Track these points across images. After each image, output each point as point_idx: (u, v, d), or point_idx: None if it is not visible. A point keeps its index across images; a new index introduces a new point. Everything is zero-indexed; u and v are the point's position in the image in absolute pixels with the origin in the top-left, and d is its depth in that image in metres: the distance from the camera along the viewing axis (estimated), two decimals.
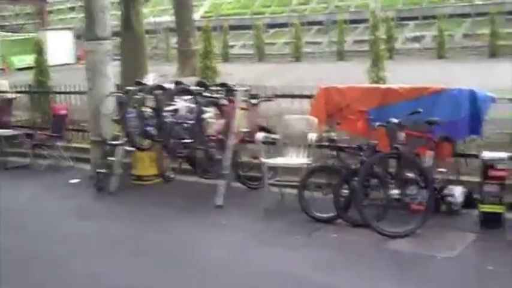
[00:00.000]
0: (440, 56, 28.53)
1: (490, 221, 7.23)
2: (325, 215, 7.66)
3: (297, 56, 33.29)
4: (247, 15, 40.87)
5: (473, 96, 8.07)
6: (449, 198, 7.72)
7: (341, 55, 32.03)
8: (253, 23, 36.47)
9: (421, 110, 7.49)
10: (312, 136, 8.24)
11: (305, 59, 32.71)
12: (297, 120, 8.65)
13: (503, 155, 7.30)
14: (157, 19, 40.24)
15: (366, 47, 32.23)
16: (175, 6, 26.51)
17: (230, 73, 17.21)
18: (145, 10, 28.53)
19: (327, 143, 8.48)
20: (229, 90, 9.19)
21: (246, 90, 9.25)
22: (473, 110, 8.04)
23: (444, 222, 7.45)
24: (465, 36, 31.27)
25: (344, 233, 7.31)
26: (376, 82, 11.25)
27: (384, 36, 30.42)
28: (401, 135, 7.37)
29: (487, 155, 7.38)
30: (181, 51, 26.28)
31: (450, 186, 7.83)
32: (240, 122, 9.05)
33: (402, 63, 24.06)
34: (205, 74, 13.36)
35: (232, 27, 37.16)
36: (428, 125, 7.66)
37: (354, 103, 8.53)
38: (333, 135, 8.33)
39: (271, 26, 38.22)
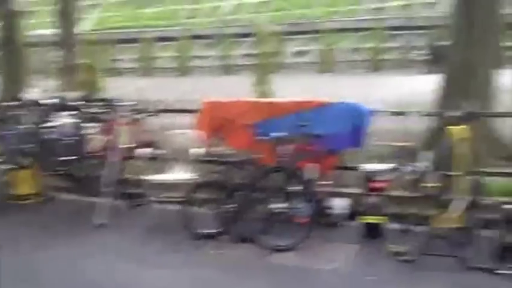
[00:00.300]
0: (326, 70, 29.04)
1: (371, 232, 7.37)
2: (210, 231, 7.57)
3: (185, 70, 33.16)
4: (136, 29, 40.37)
5: (355, 110, 8.24)
6: (332, 211, 7.82)
7: (229, 69, 32.13)
8: (141, 37, 36.08)
9: (305, 124, 7.56)
10: (197, 151, 8.16)
11: (193, 73, 32.61)
12: (182, 135, 8.55)
13: (383, 166, 7.47)
14: (43, 31, 39.08)
15: (254, 61, 32.58)
16: (58, 19, 25.77)
17: (116, 87, 16.86)
18: (33, 21, 27.64)
19: (212, 158, 8.42)
20: (112, 105, 8.97)
21: (129, 105, 9.06)
22: (355, 122, 8.20)
23: (328, 234, 7.53)
24: (350, 50, 32.00)
25: (229, 248, 7.25)
26: (263, 96, 11.30)
27: (271, 51, 30.80)
28: (286, 149, 7.40)
29: (367, 167, 7.53)
30: (65, 65, 25.62)
31: (334, 199, 7.93)
32: (124, 138, 8.84)
33: (289, 77, 24.28)
34: (89, 89, 12.99)
35: (121, 41, 36.55)
36: (312, 138, 7.73)
37: (239, 117, 8.50)
38: (219, 149, 8.29)
39: (160, 39, 37.90)
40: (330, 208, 7.79)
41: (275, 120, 8.25)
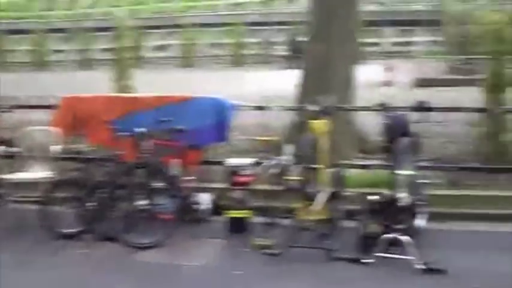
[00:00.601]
0: (187, 65, 29.00)
1: (237, 226, 7.35)
2: (72, 230, 7.26)
3: (42, 64, 32.00)
4: None
5: (218, 104, 8.23)
6: (197, 206, 7.72)
7: (88, 64, 31.40)
8: None
9: (167, 119, 7.44)
10: (55, 148, 7.81)
11: (50, 68, 31.52)
12: (40, 132, 8.16)
13: (247, 161, 7.48)
14: None
15: (113, 56, 31.77)
16: None
17: None
18: None
19: (71, 155, 8.10)
20: None
21: None
22: (218, 117, 8.19)
23: (193, 230, 7.43)
24: (211, 45, 32.08)
25: (93, 247, 6.98)
26: (123, 91, 11.02)
27: (130, 45, 30.20)
28: (148, 145, 7.23)
29: (231, 161, 7.51)
30: None
31: (198, 194, 7.85)
32: None
33: (150, 72, 24.02)
34: None
35: None
36: (175, 133, 7.61)
37: (98, 113, 8.27)
38: (79, 146, 8.00)
39: (13, 32, 36.31)
40: (195, 204, 7.70)
41: (136, 116, 8.08)
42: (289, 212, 7.07)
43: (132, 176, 7.35)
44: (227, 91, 9.50)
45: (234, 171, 7.40)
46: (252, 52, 29.12)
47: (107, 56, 29.35)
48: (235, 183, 7.38)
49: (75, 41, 33.54)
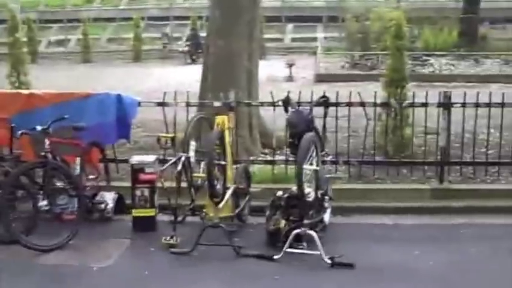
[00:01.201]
0: (86, 60, 28.31)
1: (143, 225, 7.17)
2: None
3: None
4: None
5: (120, 101, 8.08)
6: (101, 205, 7.50)
7: None
8: None
9: (66, 116, 7.17)
10: None
11: None
12: None
13: (151, 158, 7.30)
14: None
15: (5, 50, 30.76)
16: None
17: None
18: None
19: None
20: None
21: None
22: (120, 114, 8.05)
23: (98, 230, 7.20)
24: (110, 40, 31.51)
25: None
26: (18, 87, 10.62)
27: (25, 39, 29.27)
28: (47, 143, 6.95)
29: (135, 159, 7.32)
30: None
31: (102, 193, 7.65)
32: None
33: (47, 68, 23.43)
34: None
35: None
36: (75, 130, 7.37)
37: None
38: None
39: None
40: (98, 203, 7.48)
41: (35, 113, 7.83)
42: (196, 210, 7.00)
43: (31, 175, 7.07)
44: (128, 87, 9.31)
45: (138, 169, 7.19)
46: (153, 47, 28.75)
47: (1, 50, 28.55)
48: (139, 181, 7.17)
49: None
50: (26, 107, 7.94)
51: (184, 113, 8.30)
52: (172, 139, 7.13)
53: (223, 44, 9.49)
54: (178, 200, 6.83)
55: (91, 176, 7.71)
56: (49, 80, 14.03)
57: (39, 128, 6.99)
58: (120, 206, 7.60)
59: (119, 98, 8.05)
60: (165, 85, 13.97)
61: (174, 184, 6.86)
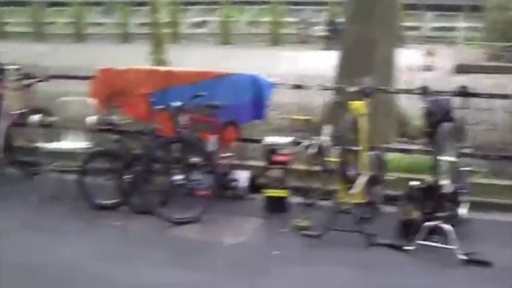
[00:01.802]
0: (225, 42, 28.84)
1: (275, 206, 7.21)
2: (108, 202, 7.20)
3: (81, 37, 32.13)
4: None
5: (255, 82, 8.06)
6: (234, 183, 7.61)
7: (126, 37, 31.43)
8: (31, 0, 34.57)
9: (203, 93, 7.28)
10: (91, 119, 7.73)
11: (89, 40, 31.64)
12: (76, 102, 8.09)
13: (285, 140, 7.30)
14: None
15: (149, 30, 31.85)
16: None
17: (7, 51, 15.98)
18: None
19: (108, 127, 8.01)
20: None
21: (17, 69, 8.50)
22: (255, 94, 8.03)
23: (230, 207, 7.32)
24: (250, 23, 31.85)
25: (128, 220, 6.93)
26: (158, 65, 10.94)
27: (167, 20, 30.14)
28: (184, 119, 7.11)
29: (269, 140, 7.35)
30: None
31: (235, 171, 7.74)
32: (13, 104, 8.32)
33: (187, 48, 24.04)
34: None
35: (11, 3, 34.99)
36: (211, 109, 7.48)
37: (135, 86, 8.15)
38: (114, 118, 7.92)
39: (53, 4, 36.43)
40: (232, 181, 7.58)
41: (172, 90, 7.93)
42: (328, 194, 6.93)
43: (168, 150, 7.25)
44: (264, 69, 9.33)
45: (272, 150, 7.23)
46: (290, 31, 28.82)
47: (145, 30, 29.57)
48: (273, 162, 7.21)
49: (113, 15, 33.56)
50: (165, 83, 8.08)
51: (319, 97, 8.23)
52: (307, 122, 7.10)
53: (361, 29, 9.34)
54: (310, 183, 6.79)
55: (226, 154, 7.81)
56: (188, 59, 14.32)
57: (177, 104, 7.15)
58: (253, 186, 7.66)
59: (255, 78, 8.08)
60: (300, 69, 13.95)
61: (307, 167, 6.83)
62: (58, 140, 7.90)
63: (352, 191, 6.56)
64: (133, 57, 11.45)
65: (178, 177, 6.99)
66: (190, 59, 16.22)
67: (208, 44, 28.14)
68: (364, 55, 9.27)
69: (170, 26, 27.81)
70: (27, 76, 8.73)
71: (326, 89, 8.33)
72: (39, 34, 33.00)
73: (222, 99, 7.57)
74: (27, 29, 33.93)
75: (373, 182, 6.96)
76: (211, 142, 7.46)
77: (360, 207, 6.59)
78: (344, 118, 6.96)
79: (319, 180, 6.91)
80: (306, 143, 6.96)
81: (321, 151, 6.89)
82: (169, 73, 8.43)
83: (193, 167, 7.20)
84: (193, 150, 7.21)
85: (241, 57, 20.15)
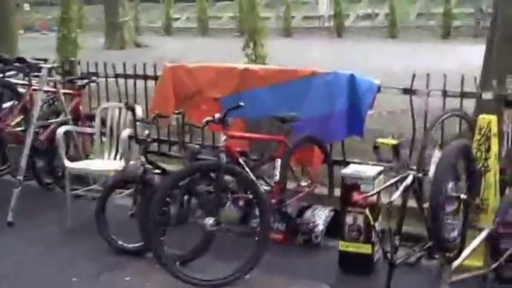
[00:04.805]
0: (392, 36, 26.77)
1: (354, 265, 4.95)
2: (130, 245, 5.36)
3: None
4: None
5: (352, 83, 5.89)
6: (308, 226, 5.47)
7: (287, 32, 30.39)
8: None
9: (242, 104, 5.09)
10: (127, 132, 5.87)
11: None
12: (116, 110, 6.35)
13: (371, 170, 4.99)
14: None
15: (315, 24, 30.60)
16: None
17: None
18: None
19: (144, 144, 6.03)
20: (30, 68, 6.77)
21: (56, 68, 6.94)
22: (352, 101, 5.87)
23: (293, 262, 5.17)
24: (419, 15, 29.63)
25: (142, 275, 4.98)
26: (254, 62, 9.34)
27: (332, 13, 28.72)
28: (222, 138, 5.07)
29: (349, 169, 5.08)
30: (109, 23, 25.62)
31: (314, 207, 5.62)
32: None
33: (352, 42, 22.29)
34: (63, 48, 10.73)
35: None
36: (281, 122, 5.42)
37: (205, 87, 6.40)
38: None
39: None
40: (309, 222, 5.48)
41: (247, 94, 6.05)
42: (434, 251, 4.59)
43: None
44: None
45: (350, 185, 4.95)
46: (464, 23, 26.12)
47: (309, 24, 28.18)
48: (351, 203, 4.94)
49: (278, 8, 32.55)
50: (240, 85, 6.25)
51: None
52: (395, 148, 4.66)
53: None
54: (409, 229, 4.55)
55: (303, 184, 5.73)
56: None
57: (216, 115, 5.12)
58: (333, 228, 5.43)
59: (351, 79, 5.89)
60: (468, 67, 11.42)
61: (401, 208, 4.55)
62: (89, 158, 6.22)
63: (455, 258, 4.20)
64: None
65: (209, 221, 4.84)
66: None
67: (373, 38, 26.02)
68: None
69: (336, 18, 26.67)
70: (82, 77, 7.18)
71: (448, 94, 5.85)
72: (203, 29, 33.16)
73: (305, 107, 5.75)
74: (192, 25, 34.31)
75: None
76: (276, 168, 5.36)
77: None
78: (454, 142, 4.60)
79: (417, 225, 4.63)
80: (393, 179, 4.58)
81: (418, 190, 4.57)
82: (245, 72, 6.45)
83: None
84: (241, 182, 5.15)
85: (405, 52, 17.91)
